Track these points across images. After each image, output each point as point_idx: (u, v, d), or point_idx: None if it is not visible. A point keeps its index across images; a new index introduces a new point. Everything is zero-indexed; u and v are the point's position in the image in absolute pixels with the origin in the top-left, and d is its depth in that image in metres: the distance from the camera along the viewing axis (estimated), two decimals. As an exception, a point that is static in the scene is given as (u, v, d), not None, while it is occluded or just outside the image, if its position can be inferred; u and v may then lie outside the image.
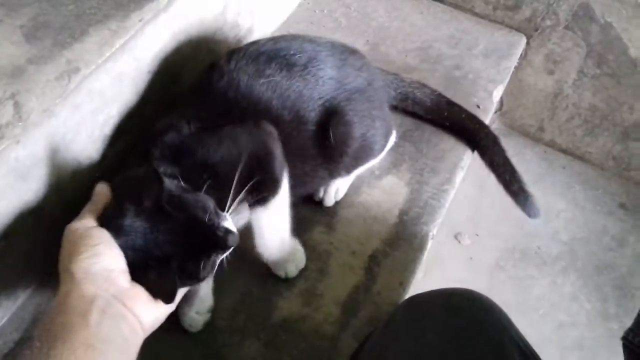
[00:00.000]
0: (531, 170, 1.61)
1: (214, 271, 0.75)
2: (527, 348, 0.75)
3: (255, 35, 1.31)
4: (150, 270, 0.69)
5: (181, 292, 0.75)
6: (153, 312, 0.68)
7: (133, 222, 0.70)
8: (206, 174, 0.81)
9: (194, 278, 0.75)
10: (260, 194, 0.87)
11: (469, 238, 1.44)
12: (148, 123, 1.03)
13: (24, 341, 0.58)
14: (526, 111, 1.67)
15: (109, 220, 0.72)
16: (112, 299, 0.64)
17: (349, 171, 1.05)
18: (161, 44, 1.01)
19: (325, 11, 1.47)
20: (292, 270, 0.98)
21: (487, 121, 1.25)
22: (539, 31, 1.50)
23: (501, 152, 1.13)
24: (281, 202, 0.91)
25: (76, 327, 0.59)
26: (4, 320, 0.93)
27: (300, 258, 0.99)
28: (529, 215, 1.10)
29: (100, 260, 0.66)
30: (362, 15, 1.46)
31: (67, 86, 0.82)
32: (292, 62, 0.96)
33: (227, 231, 0.74)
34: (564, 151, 1.67)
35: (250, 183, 0.83)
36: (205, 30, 1.12)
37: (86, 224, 0.71)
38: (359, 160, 1.04)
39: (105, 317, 0.62)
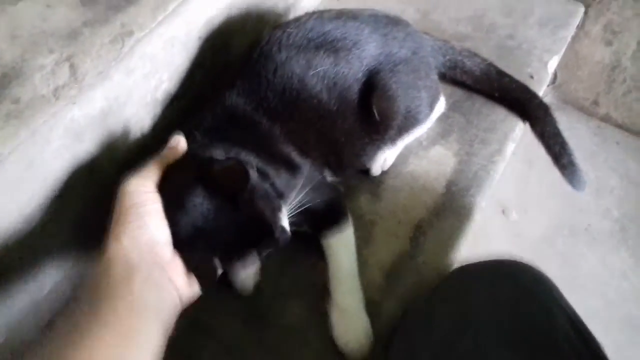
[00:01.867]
0: (584, 146, 1.57)
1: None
2: (577, 320, 0.73)
3: (304, 4, 1.31)
4: (196, 252, 0.71)
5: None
6: (191, 285, 0.70)
7: (201, 203, 0.71)
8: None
9: (238, 265, 0.77)
10: (331, 225, 0.93)
11: (516, 213, 1.41)
12: (199, 89, 1.05)
13: (73, 300, 0.61)
14: (581, 84, 1.61)
15: (173, 190, 0.73)
16: (154, 269, 0.66)
17: (394, 142, 1.04)
18: (213, 11, 1.02)
19: (375, -21, 1.44)
20: (356, 340, 0.88)
21: (540, 92, 1.22)
22: (597, 0, 1.44)
23: (553, 123, 1.10)
24: (351, 234, 0.95)
25: (120, 293, 0.62)
26: (58, 278, 0.97)
27: (366, 332, 0.89)
28: (575, 188, 1.07)
29: (148, 232, 0.68)
30: (413, -18, 1.43)
31: (121, 49, 0.83)
32: (338, 47, 0.95)
33: (283, 230, 0.76)
34: (619, 126, 1.61)
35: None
36: (255, -4, 1.12)
37: (142, 187, 0.72)
38: (404, 131, 1.03)
39: (147, 285, 0.64)
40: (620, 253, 1.35)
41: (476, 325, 0.70)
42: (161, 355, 0.63)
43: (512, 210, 1.42)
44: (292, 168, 0.92)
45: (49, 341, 0.57)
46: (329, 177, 1.02)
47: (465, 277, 0.80)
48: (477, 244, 1.34)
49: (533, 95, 1.14)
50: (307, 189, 0.87)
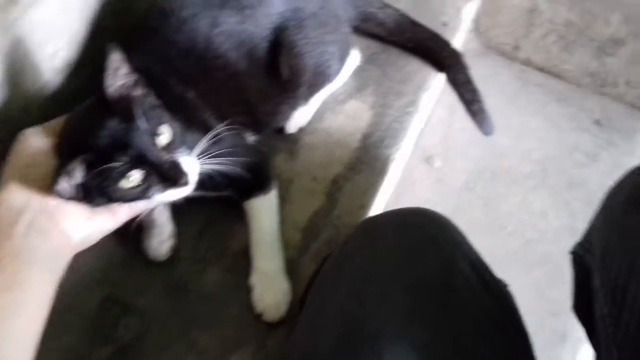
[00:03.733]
0: (507, 90, 1.59)
1: (149, 195, 0.74)
2: (479, 262, 0.76)
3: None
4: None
5: (123, 210, 0.76)
6: (83, 230, 0.70)
7: (95, 126, 0.70)
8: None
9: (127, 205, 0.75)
10: (255, 189, 0.93)
11: (440, 160, 1.44)
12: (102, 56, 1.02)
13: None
14: (502, 29, 1.62)
15: (73, 126, 0.73)
16: (40, 213, 0.66)
17: (307, 100, 1.04)
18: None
19: None
20: (274, 303, 0.89)
21: (454, 40, 1.23)
22: (510, -56, 1.44)
23: (464, 71, 1.12)
24: (274, 197, 0.95)
25: (1, 237, 0.62)
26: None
27: (285, 295, 0.91)
28: (484, 133, 1.13)
29: (38, 174, 0.68)
30: None
31: (6, 18, 0.79)
32: (244, 4, 0.93)
33: (176, 166, 0.73)
34: (541, 69, 1.63)
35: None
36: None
37: (40, 132, 0.73)
38: (315, 88, 1.03)
39: (32, 230, 0.64)
40: (540, 193, 1.39)
41: (381, 274, 0.72)
42: (50, 304, 0.63)
43: (436, 158, 1.44)
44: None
45: None
46: (251, 138, 1.01)
47: (372, 228, 0.81)
48: (402, 193, 1.37)
49: (445, 44, 1.15)
50: (226, 154, 0.86)
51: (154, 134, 0.73)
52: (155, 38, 0.91)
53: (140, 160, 0.70)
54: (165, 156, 0.73)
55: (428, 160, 1.43)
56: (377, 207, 1.06)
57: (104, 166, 0.68)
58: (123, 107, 0.71)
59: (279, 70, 0.96)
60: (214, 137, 0.85)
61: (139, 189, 0.72)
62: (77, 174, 0.68)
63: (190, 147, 0.78)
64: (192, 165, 0.76)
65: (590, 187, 1.40)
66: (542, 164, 1.45)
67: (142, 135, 0.71)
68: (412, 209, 0.83)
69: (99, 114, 0.72)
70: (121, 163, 0.69)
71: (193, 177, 0.75)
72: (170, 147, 0.74)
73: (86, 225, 0.72)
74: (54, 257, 0.67)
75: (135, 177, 0.71)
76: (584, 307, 0.77)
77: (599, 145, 1.49)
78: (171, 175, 0.72)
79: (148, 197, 0.73)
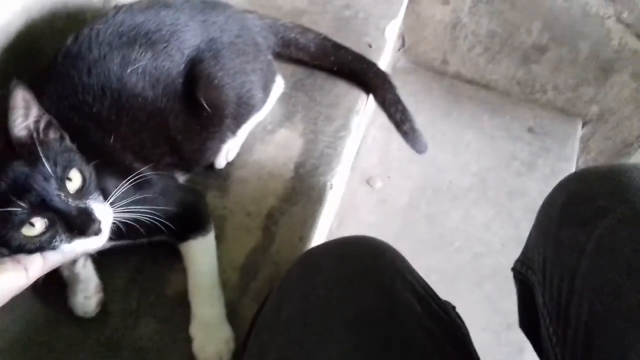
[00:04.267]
0: (439, 105, 1.60)
1: (55, 245, 0.66)
2: (422, 287, 0.72)
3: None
4: None
5: (36, 264, 0.68)
6: None
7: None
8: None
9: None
10: (190, 230, 0.88)
11: (381, 181, 1.42)
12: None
13: None
14: (428, 45, 1.64)
15: None
16: None
17: (234, 132, 1.00)
18: (7, 16, 0.92)
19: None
20: (216, 352, 0.83)
21: (380, 60, 1.22)
22: (427, -39, 1.45)
23: (392, 90, 1.10)
24: (212, 238, 0.90)
25: None
26: None
27: (227, 343, 0.84)
28: (418, 152, 1.10)
29: None
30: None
31: None
32: (155, 39, 0.89)
33: (85, 214, 0.67)
34: (470, 81, 1.65)
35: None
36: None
37: None
38: (240, 119, 0.99)
39: None
40: (482, 206, 1.39)
41: (320, 311, 0.68)
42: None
43: (377, 179, 1.42)
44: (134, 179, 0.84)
45: None
46: (181, 178, 0.96)
47: (310, 263, 0.77)
48: (345, 218, 1.34)
49: (370, 65, 1.14)
50: (152, 199, 0.80)
51: (63, 178, 0.66)
52: (65, 82, 0.85)
53: (43, 207, 0.64)
54: (74, 203, 0.66)
55: (369, 182, 1.41)
56: (319, 237, 1.02)
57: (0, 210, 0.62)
58: (28, 150, 0.66)
59: (200, 105, 0.92)
60: (135, 181, 0.79)
61: (43, 238, 0.65)
62: None
63: (107, 194, 0.72)
64: (105, 212, 0.70)
65: (530, 195, 1.41)
66: (481, 176, 1.45)
67: (48, 179, 0.65)
68: (350, 238, 0.79)
69: (1, 156, 0.66)
70: (20, 209, 0.63)
71: (106, 226, 0.69)
72: (81, 193, 0.68)
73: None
74: None
75: (39, 224, 0.64)
76: (531, 324, 0.74)
77: (534, 153, 1.51)
78: (78, 224, 0.66)
79: (54, 248, 0.66)
